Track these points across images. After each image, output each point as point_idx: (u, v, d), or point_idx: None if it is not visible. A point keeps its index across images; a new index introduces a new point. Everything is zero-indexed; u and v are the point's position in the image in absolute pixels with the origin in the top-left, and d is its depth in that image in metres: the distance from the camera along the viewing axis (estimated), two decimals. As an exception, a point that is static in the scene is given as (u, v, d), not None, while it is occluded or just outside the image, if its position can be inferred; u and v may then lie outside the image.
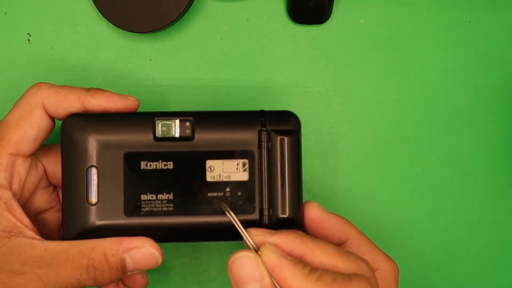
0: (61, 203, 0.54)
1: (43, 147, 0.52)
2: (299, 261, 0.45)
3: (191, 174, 0.50)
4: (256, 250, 0.46)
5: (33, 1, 0.60)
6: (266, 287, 0.44)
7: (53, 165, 0.53)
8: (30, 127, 0.49)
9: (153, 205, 0.50)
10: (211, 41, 0.61)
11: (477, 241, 0.62)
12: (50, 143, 0.53)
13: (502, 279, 0.62)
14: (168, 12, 0.57)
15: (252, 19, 0.61)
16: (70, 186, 0.50)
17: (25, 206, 0.52)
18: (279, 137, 0.50)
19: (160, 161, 0.50)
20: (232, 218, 0.48)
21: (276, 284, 0.44)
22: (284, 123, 0.50)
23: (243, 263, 0.45)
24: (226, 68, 0.61)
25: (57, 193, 0.55)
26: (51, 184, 0.54)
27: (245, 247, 0.47)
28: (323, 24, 0.61)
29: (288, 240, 0.46)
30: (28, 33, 0.60)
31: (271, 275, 0.44)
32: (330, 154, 0.61)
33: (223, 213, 0.50)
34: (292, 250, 0.45)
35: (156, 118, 0.50)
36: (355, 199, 0.61)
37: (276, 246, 0.45)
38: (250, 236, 0.47)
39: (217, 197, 0.50)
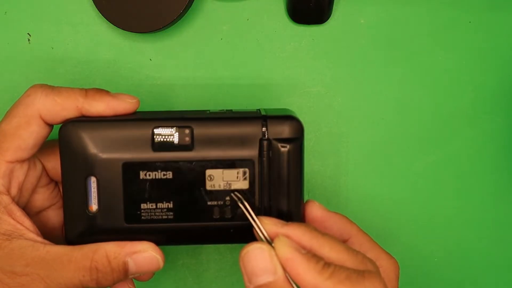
0: (62, 198, 0.54)
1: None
2: (313, 255, 0.44)
3: (191, 183, 0.49)
4: (269, 241, 0.46)
5: (33, 1, 0.60)
6: (278, 280, 0.44)
7: (52, 162, 0.53)
8: (28, 136, 0.49)
9: (153, 214, 0.49)
10: (211, 41, 0.61)
11: (477, 241, 0.62)
12: (48, 140, 0.52)
13: (502, 279, 0.63)
14: (168, 12, 0.57)
15: (252, 19, 0.61)
16: (70, 194, 0.50)
17: (26, 206, 0.52)
18: (280, 146, 0.49)
19: (159, 170, 0.49)
20: (245, 208, 0.48)
21: (288, 277, 0.44)
22: (286, 131, 0.49)
23: (257, 255, 0.44)
24: (226, 68, 0.61)
25: (59, 189, 0.55)
26: (52, 181, 0.54)
27: (256, 237, 0.47)
28: (323, 24, 0.61)
29: (299, 232, 0.45)
30: (28, 33, 0.60)
31: (284, 268, 0.44)
32: (330, 154, 0.61)
33: (223, 221, 0.50)
34: (302, 243, 0.45)
35: (154, 127, 0.49)
36: (355, 199, 0.62)
37: (287, 237, 0.45)
38: (263, 225, 0.46)
39: (217, 205, 0.50)
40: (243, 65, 0.61)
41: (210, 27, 0.61)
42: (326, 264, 0.44)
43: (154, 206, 0.49)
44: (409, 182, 0.62)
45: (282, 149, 0.49)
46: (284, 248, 0.44)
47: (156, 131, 0.49)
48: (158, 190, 0.49)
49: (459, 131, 0.62)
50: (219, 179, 0.49)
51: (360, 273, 0.44)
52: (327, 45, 0.61)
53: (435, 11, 0.61)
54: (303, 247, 0.45)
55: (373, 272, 0.45)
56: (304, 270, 0.43)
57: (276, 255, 0.44)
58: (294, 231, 0.46)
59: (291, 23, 0.61)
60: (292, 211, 0.50)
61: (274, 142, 0.49)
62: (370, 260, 0.46)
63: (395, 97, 0.61)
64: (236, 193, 0.49)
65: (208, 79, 0.61)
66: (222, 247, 0.62)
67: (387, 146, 0.61)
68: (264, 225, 0.46)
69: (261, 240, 0.46)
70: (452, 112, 0.61)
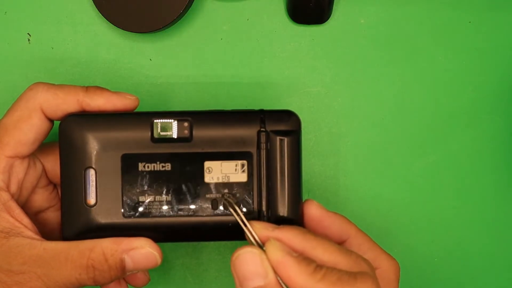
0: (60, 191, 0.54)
1: (41, 146, 0.52)
2: (304, 258, 0.44)
3: (190, 175, 0.50)
4: (261, 245, 0.45)
5: (33, 1, 0.60)
6: (270, 283, 0.44)
7: (52, 163, 0.53)
8: (29, 130, 0.49)
9: (151, 206, 0.50)
10: (211, 41, 0.61)
11: (477, 241, 0.62)
12: (49, 142, 0.53)
13: (502, 279, 0.62)
14: (168, 12, 0.57)
15: (252, 19, 0.61)
16: (69, 187, 0.50)
17: (25, 205, 0.52)
18: (278, 138, 0.49)
19: (158, 162, 0.49)
20: (236, 213, 0.48)
21: (280, 281, 0.44)
22: (284, 123, 0.50)
23: (247, 259, 0.44)
24: (226, 68, 0.61)
25: (57, 192, 0.55)
26: (50, 183, 0.54)
27: (248, 241, 0.47)
28: (323, 24, 0.61)
29: (290, 235, 0.45)
30: (28, 33, 0.60)
31: (275, 271, 0.44)
32: (330, 154, 0.61)
33: (222, 214, 0.50)
34: (293, 246, 0.45)
35: (154, 119, 0.49)
36: (355, 199, 0.61)
37: (278, 240, 0.45)
38: (254, 229, 0.46)
39: (216, 198, 0.50)
40: (243, 65, 0.61)
41: (210, 27, 0.61)
42: (318, 266, 0.43)
43: (153, 199, 0.50)
44: (409, 182, 0.62)
45: (280, 141, 0.49)
46: (275, 252, 0.44)
47: (155, 123, 0.49)
48: (157, 183, 0.50)
49: (459, 131, 0.61)
50: (217, 172, 0.50)
51: (352, 275, 0.44)
52: (327, 45, 0.61)
53: (435, 11, 0.61)
54: (295, 250, 0.45)
55: (366, 273, 0.45)
56: (295, 273, 0.43)
57: (267, 258, 0.44)
58: (285, 234, 0.45)
59: (291, 23, 0.61)
60: (290, 203, 0.50)
61: (272, 134, 0.49)
62: (365, 260, 0.46)
63: (395, 97, 0.61)
64: (227, 197, 0.49)
65: (208, 79, 0.61)
66: (222, 246, 0.62)
67: (387, 146, 0.61)
68: (255, 229, 0.46)
69: (253, 244, 0.46)
70: (452, 112, 0.61)
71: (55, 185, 0.55)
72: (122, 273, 0.48)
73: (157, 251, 0.48)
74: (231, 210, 0.48)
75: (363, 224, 0.54)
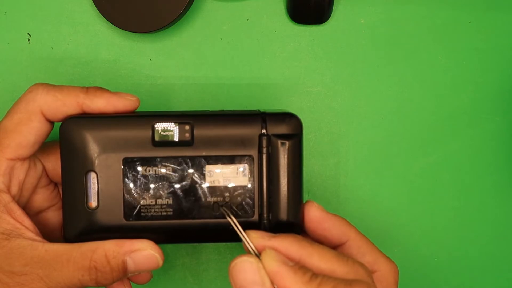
0: (62, 195, 0.54)
1: (41, 146, 0.52)
2: (300, 267, 0.44)
3: (190, 179, 0.50)
4: (257, 254, 0.46)
5: (33, 1, 0.60)
6: None
7: (53, 162, 0.53)
8: (29, 133, 0.49)
9: (152, 210, 0.50)
10: (211, 41, 0.61)
11: (477, 241, 0.62)
12: (48, 141, 0.53)
13: (502, 279, 0.63)
14: (168, 12, 0.57)
15: (252, 19, 0.61)
16: (70, 190, 0.50)
17: (26, 206, 0.52)
18: (279, 142, 0.49)
19: (159, 166, 0.49)
20: (233, 222, 0.48)
21: None
22: (285, 127, 0.49)
23: (245, 268, 0.45)
24: (226, 68, 0.61)
25: (58, 190, 0.55)
26: (51, 182, 0.54)
27: (245, 250, 0.47)
28: (323, 24, 0.61)
29: (286, 244, 0.46)
30: (28, 33, 0.60)
31: (272, 281, 0.44)
32: (330, 154, 0.61)
33: (222, 217, 0.49)
34: (290, 254, 0.45)
35: (155, 123, 0.49)
36: (355, 199, 0.61)
37: (275, 250, 0.45)
38: (250, 239, 0.46)
39: (217, 202, 0.50)
40: (243, 65, 0.61)
41: (210, 27, 0.61)
42: (313, 275, 0.44)
43: (154, 202, 0.50)
44: (409, 182, 0.62)
45: (282, 145, 0.49)
46: (270, 262, 0.45)
47: (156, 126, 0.49)
48: (158, 186, 0.49)
49: (459, 131, 0.62)
50: (218, 175, 0.50)
51: (347, 283, 0.44)
52: (327, 45, 0.61)
53: (435, 11, 0.61)
54: (292, 258, 0.45)
55: (362, 281, 0.45)
56: (291, 282, 0.44)
57: (264, 268, 0.45)
58: (281, 243, 0.46)
59: (291, 23, 0.61)
60: (291, 208, 0.50)
61: (274, 138, 0.49)
62: (362, 266, 0.46)
63: (395, 97, 0.61)
64: (223, 208, 0.49)
65: (208, 79, 0.61)
66: (222, 247, 0.62)
67: (387, 146, 0.61)
68: (251, 239, 0.46)
69: (250, 253, 0.46)
70: (452, 112, 0.61)
71: (55, 184, 0.55)
72: (124, 274, 0.48)
73: (159, 253, 0.49)
74: (228, 219, 0.49)
75: (363, 225, 0.54)
